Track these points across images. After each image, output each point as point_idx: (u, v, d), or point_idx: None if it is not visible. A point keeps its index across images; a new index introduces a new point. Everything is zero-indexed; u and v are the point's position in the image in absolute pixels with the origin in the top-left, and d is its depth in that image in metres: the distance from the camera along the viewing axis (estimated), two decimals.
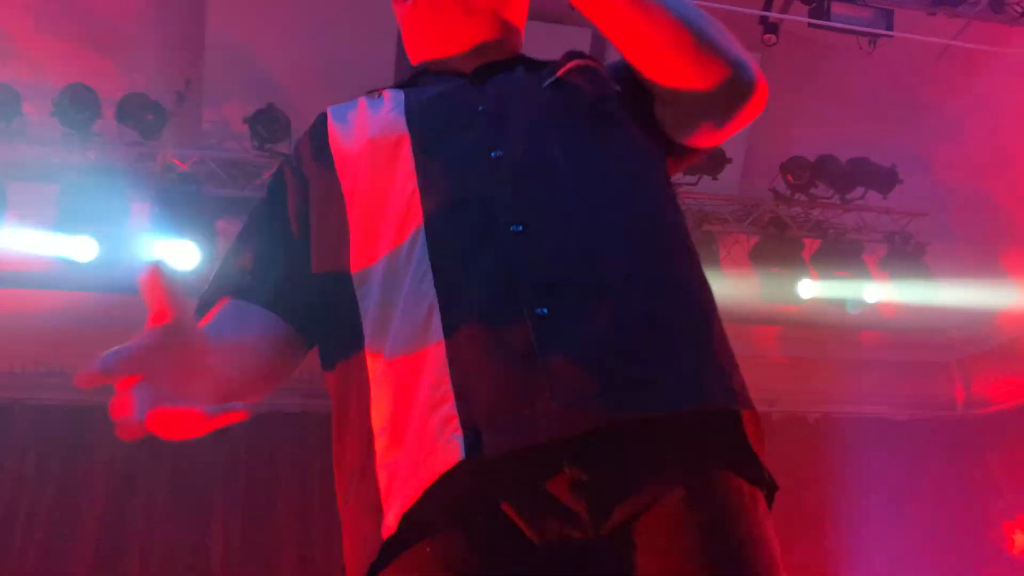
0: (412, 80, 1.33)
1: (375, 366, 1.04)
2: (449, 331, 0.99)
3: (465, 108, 1.18)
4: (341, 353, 1.11)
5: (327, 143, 1.23)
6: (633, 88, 1.21)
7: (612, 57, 1.28)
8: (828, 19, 3.87)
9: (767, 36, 4.06)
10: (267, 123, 4.68)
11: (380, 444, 1.01)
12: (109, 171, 4.42)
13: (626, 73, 1.22)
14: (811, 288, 5.61)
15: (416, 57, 1.39)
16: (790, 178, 5.56)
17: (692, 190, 5.53)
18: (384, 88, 1.29)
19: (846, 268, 5.72)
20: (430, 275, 1.02)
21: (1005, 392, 6.85)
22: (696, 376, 1.01)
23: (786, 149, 5.59)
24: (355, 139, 1.20)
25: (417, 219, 1.06)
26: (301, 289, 1.17)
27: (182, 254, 4.41)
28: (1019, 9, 4.23)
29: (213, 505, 5.17)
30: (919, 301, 5.85)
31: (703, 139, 1.26)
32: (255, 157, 4.85)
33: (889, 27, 3.97)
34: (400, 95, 1.24)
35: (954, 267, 5.99)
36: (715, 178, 5.38)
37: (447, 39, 1.31)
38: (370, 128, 1.20)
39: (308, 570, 5.17)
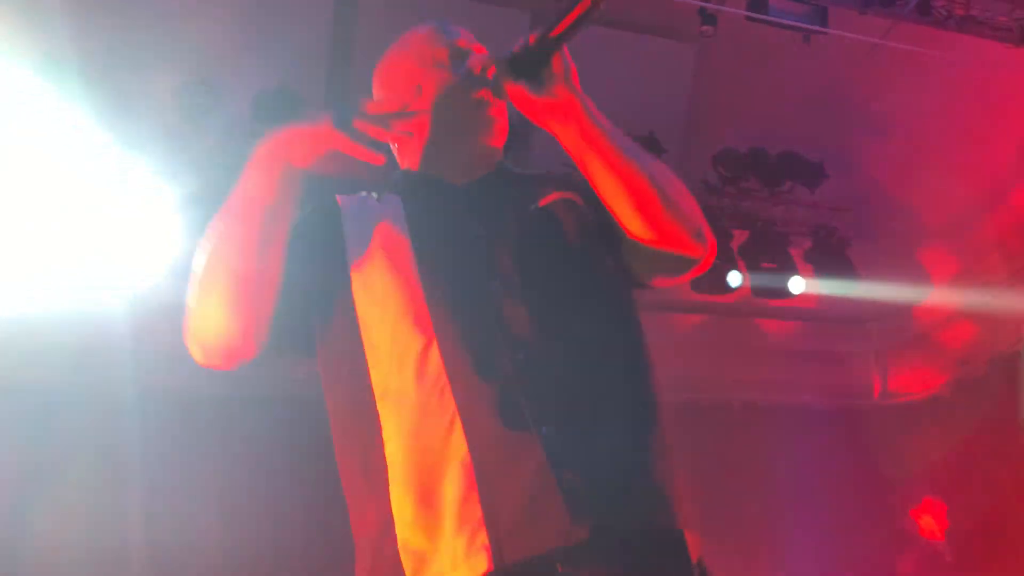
0: (407, 185, 1.45)
1: (395, 456, 1.20)
2: (474, 447, 1.16)
3: (465, 231, 1.33)
4: (356, 436, 1.27)
5: (343, 234, 1.37)
6: (606, 217, 1.36)
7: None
8: (766, 13, 3.93)
9: (704, 27, 4.11)
10: (197, 94, 4.54)
11: (404, 533, 1.17)
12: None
13: (599, 200, 1.37)
14: (738, 278, 5.73)
15: (405, 162, 1.51)
16: (722, 170, 5.64)
17: None
18: (383, 191, 1.44)
19: (772, 260, 5.85)
20: (449, 389, 1.19)
21: (919, 383, 7.11)
22: (666, 505, 1.24)
23: (719, 141, 5.67)
24: (363, 239, 1.34)
25: (430, 334, 1.22)
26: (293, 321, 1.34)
27: None
28: (945, 12, 4.36)
29: (135, 491, 5.03)
30: (841, 293, 6.01)
31: (657, 282, 1.45)
32: (184, 129, 4.71)
33: (824, 24, 4.05)
34: (398, 203, 1.38)
35: (875, 261, 6.18)
36: None
37: (442, 157, 1.45)
38: (378, 230, 1.34)
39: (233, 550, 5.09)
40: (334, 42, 5.13)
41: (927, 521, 5.15)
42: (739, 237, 5.86)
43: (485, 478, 1.15)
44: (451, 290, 1.26)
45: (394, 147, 1.54)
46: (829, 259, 5.96)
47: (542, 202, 1.39)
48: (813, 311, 6.45)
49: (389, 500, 1.19)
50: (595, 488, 1.15)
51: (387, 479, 1.20)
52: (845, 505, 6.18)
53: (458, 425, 1.17)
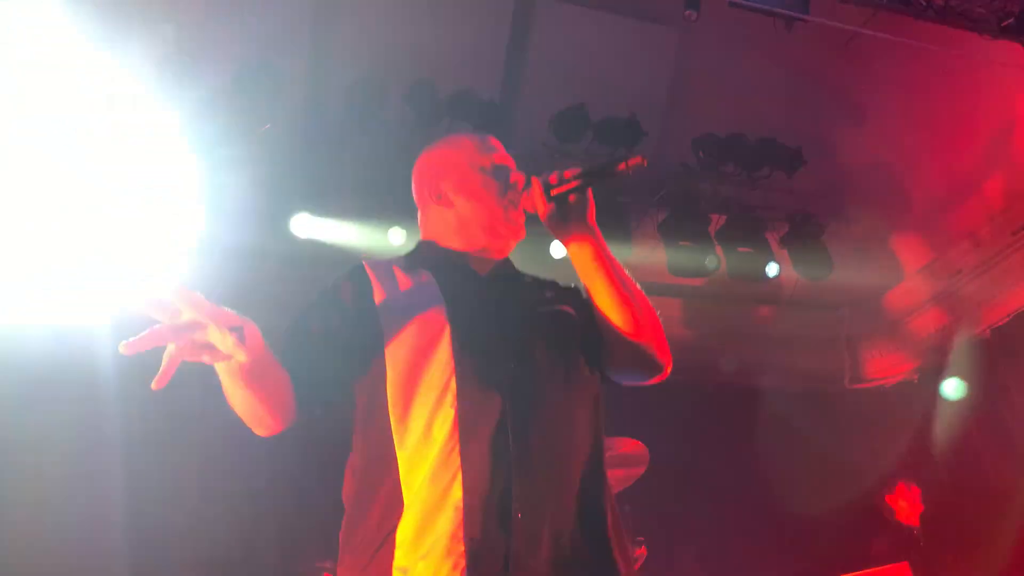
0: (437, 263, 1.74)
1: (409, 492, 1.49)
2: (468, 507, 1.45)
3: (489, 323, 1.63)
4: (375, 470, 1.55)
5: (372, 311, 1.62)
6: (591, 327, 1.71)
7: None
8: None
9: (688, 12, 4.11)
10: (176, 68, 4.49)
11: (401, 551, 1.46)
12: None
13: (588, 309, 1.72)
14: (715, 262, 5.78)
15: (430, 231, 1.82)
16: (701, 154, 5.67)
17: None
18: (420, 265, 1.73)
19: (749, 244, 5.90)
20: (458, 452, 1.49)
21: (889, 368, 7.23)
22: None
23: (700, 125, 5.69)
24: (401, 310, 1.61)
25: (453, 401, 1.52)
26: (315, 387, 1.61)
27: None
28: (924, 2, 4.39)
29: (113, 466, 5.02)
30: (815, 279, 6.08)
31: (620, 380, 1.79)
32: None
33: (805, 11, 4.07)
34: (434, 287, 1.67)
35: (849, 248, 6.26)
36: (630, 150, 5.45)
37: (469, 243, 1.77)
38: (417, 309, 1.61)
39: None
40: (316, 16, 5.09)
41: (902, 506, 5.27)
42: (717, 221, 5.91)
43: (472, 532, 1.45)
44: (477, 373, 1.56)
45: (420, 216, 1.85)
46: (805, 245, 6.02)
47: (545, 309, 1.73)
48: (788, 296, 6.53)
49: (397, 526, 1.49)
50: (555, 567, 1.47)
51: (400, 512, 1.50)
52: (816, 488, 6.28)
53: (459, 482, 1.47)
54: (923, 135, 5.79)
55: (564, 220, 1.68)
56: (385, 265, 1.72)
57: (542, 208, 1.67)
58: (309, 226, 4.89)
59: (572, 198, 1.66)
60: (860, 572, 4.58)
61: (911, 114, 5.73)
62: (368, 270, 1.69)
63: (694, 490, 6.22)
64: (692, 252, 5.75)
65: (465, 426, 1.51)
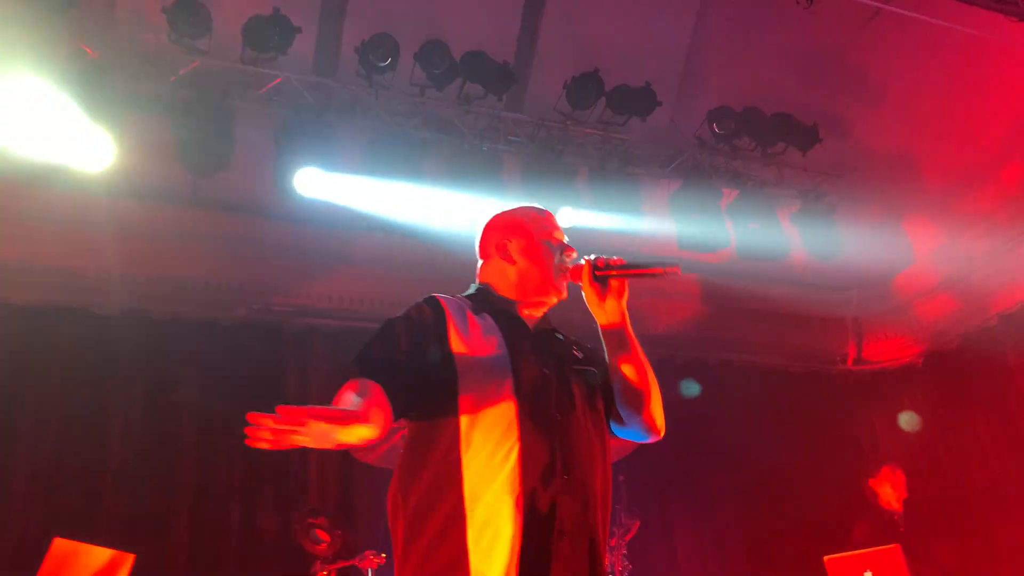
0: (498, 311, 2.11)
1: (473, 509, 1.84)
2: (526, 531, 1.82)
3: (539, 370, 2.00)
4: (441, 487, 1.88)
5: (448, 343, 1.98)
6: (607, 384, 2.11)
7: None
8: None
9: None
10: (187, 16, 4.42)
11: (476, 558, 1.81)
12: (11, 54, 4.13)
13: (606, 374, 2.11)
14: (725, 238, 5.73)
15: (487, 281, 2.21)
16: (716, 127, 5.60)
17: (620, 131, 5.52)
18: (484, 309, 2.09)
19: (760, 220, 5.84)
20: (519, 481, 1.85)
21: (893, 351, 7.20)
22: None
23: (715, 97, 5.62)
24: (471, 353, 1.97)
25: (515, 437, 1.89)
26: (408, 396, 1.93)
27: (96, 148, 4.30)
28: None
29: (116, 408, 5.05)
30: (825, 258, 6.04)
31: (621, 436, 2.15)
32: (172, 51, 4.61)
33: None
34: (498, 332, 2.03)
35: (860, 229, 6.20)
36: (644, 119, 5.39)
37: (521, 295, 2.17)
38: (483, 351, 1.99)
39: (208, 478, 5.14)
40: None
41: (886, 490, 5.27)
42: (728, 196, 5.85)
43: (527, 554, 1.81)
44: (533, 412, 1.92)
45: (482, 264, 2.22)
46: (816, 223, 5.96)
47: (577, 366, 2.08)
48: (795, 274, 6.48)
49: (466, 533, 1.83)
50: (585, 559, 1.86)
51: (466, 522, 1.84)
52: (808, 466, 6.28)
53: (519, 511, 1.83)
54: (942, 118, 5.71)
55: (601, 298, 2.04)
56: (457, 305, 2.08)
57: (586, 283, 2.05)
58: (315, 182, 4.85)
59: (611, 282, 2.03)
60: (853, 552, 4.59)
61: (930, 95, 5.64)
62: (444, 307, 2.05)
63: (689, 463, 6.23)
64: (702, 226, 5.70)
65: (527, 458, 1.87)
